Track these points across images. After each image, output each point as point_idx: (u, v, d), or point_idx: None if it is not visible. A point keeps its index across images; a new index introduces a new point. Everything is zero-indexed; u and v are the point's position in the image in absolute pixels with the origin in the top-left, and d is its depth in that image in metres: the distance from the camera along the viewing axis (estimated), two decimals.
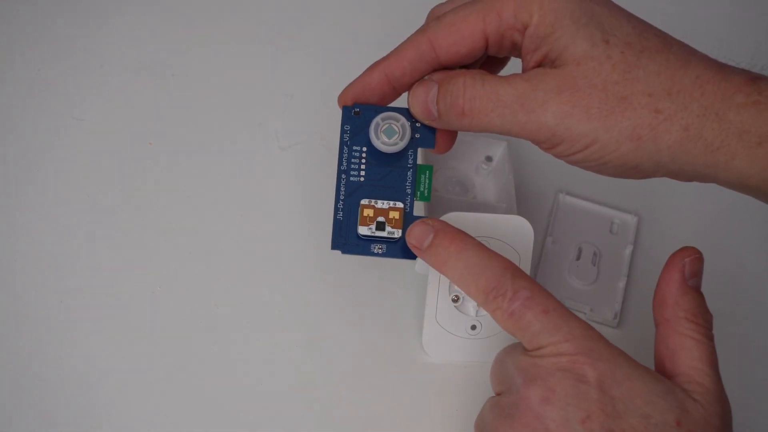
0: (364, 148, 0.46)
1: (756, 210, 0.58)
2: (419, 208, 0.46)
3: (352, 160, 0.45)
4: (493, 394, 0.42)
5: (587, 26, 0.40)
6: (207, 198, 0.56)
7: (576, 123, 0.40)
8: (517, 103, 0.41)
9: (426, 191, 0.46)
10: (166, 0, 0.64)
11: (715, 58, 0.41)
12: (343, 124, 0.45)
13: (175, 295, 0.53)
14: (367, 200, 0.45)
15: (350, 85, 0.45)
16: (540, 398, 0.38)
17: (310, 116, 0.60)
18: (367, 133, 0.45)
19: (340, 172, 0.45)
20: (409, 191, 0.45)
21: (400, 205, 0.45)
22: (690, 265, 0.41)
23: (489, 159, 0.57)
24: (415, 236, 0.43)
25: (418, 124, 0.45)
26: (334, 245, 0.45)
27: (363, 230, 0.45)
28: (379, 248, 0.45)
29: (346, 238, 0.45)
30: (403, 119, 0.45)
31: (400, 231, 0.45)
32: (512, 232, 0.48)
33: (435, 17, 0.44)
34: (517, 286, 0.40)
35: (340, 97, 0.45)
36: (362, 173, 0.45)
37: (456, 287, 0.48)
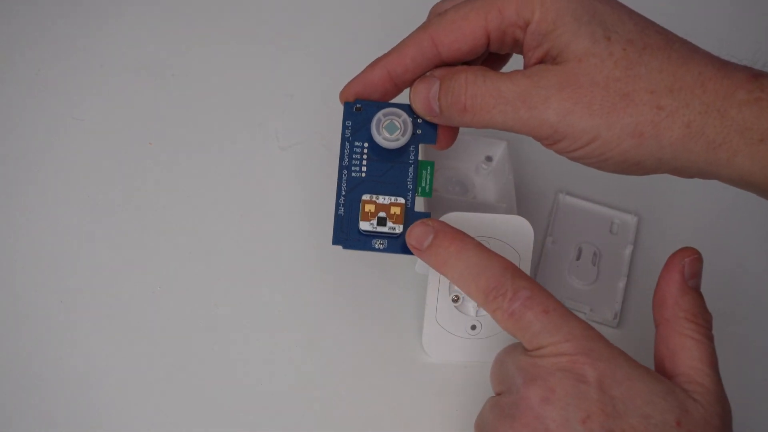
0: (366, 144, 0.46)
1: (756, 210, 0.58)
2: (420, 204, 0.46)
3: (354, 156, 0.45)
4: (493, 394, 0.42)
5: (589, 23, 0.40)
6: (207, 198, 0.56)
7: (578, 120, 0.40)
8: (519, 100, 0.41)
9: (427, 187, 0.46)
10: (166, 0, 0.64)
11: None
12: (344, 120, 0.46)
13: (175, 295, 0.53)
14: (368, 196, 0.45)
15: (352, 81, 0.45)
16: (540, 398, 0.38)
17: (310, 116, 0.60)
18: (368, 129, 0.45)
19: (341, 167, 0.45)
20: (410, 187, 0.45)
21: (401, 200, 0.45)
22: (690, 265, 0.41)
23: (489, 159, 0.57)
24: (415, 237, 0.43)
25: (419, 120, 0.45)
26: (336, 240, 0.45)
27: (364, 225, 0.45)
28: (380, 243, 0.45)
29: (347, 233, 0.45)
30: (404, 115, 0.45)
31: (401, 226, 0.45)
32: (512, 232, 0.48)
33: (437, 14, 0.44)
34: (517, 286, 0.40)
35: (342, 93, 0.45)
36: (364, 169, 0.45)
37: (456, 287, 0.48)
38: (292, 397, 0.50)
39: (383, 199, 0.45)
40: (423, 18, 0.46)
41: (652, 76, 0.40)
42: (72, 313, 0.52)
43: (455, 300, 0.49)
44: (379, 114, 0.45)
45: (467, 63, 0.44)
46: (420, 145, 0.46)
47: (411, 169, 0.46)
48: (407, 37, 0.44)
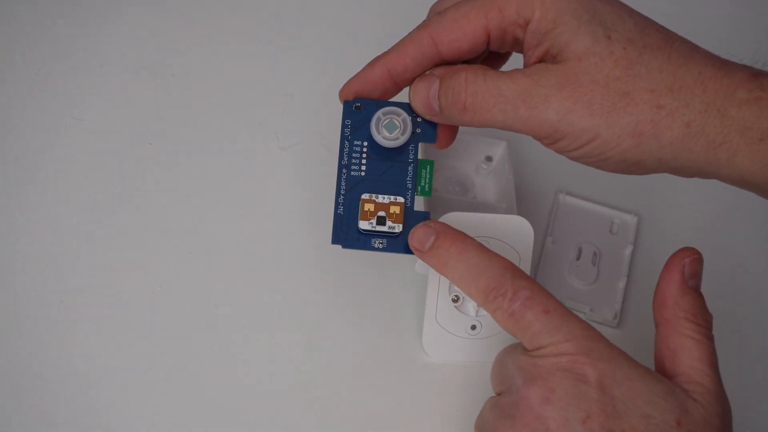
0: (365, 143, 0.46)
1: (756, 210, 0.58)
2: (420, 203, 0.46)
3: (353, 155, 0.45)
4: (493, 394, 0.42)
5: (589, 22, 0.40)
6: (207, 198, 0.56)
7: (578, 119, 0.40)
8: (518, 99, 0.41)
9: (427, 186, 0.46)
10: (166, 0, 0.64)
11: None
12: (344, 119, 0.45)
13: (175, 295, 0.53)
14: (367, 195, 0.45)
15: (351, 79, 0.45)
16: (540, 398, 0.38)
17: (310, 116, 0.60)
18: (368, 128, 0.45)
19: (341, 166, 0.45)
20: (410, 186, 0.45)
21: (400, 199, 0.45)
22: (690, 265, 0.41)
23: (489, 159, 0.57)
24: (418, 239, 0.43)
25: (419, 119, 0.45)
26: (335, 240, 0.45)
27: (364, 225, 0.45)
28: (379, 243, 0.45)
29: (346, 232, 0.45)
30: (404, 114, 0.45)
31: (401, 226, 0.45)
32: (512, 232, 0.48)
33: (436, 12, 0.44)
34: (517, 286, 0.40)
35: (342, 92, 0.45)
36: (363, 168, 0.45)
37: (456, 287, 0.48)
38: (292, 397, 0.50)
39: (383, 198, 0.45)
40: (422, 18, 0.46)
41: (652, 76, 0.40)
42: (72, 313, 0.52)
43: (455, 300, 0.49)
44: (379, 113, 0.45)
45: (467, 62, 0.44)
46: (420, 144, 0.46)
47: (410, 168, 0.46)
48: (407, 36, 0.44)
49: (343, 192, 0.45)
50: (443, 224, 0.43)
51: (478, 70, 0.42)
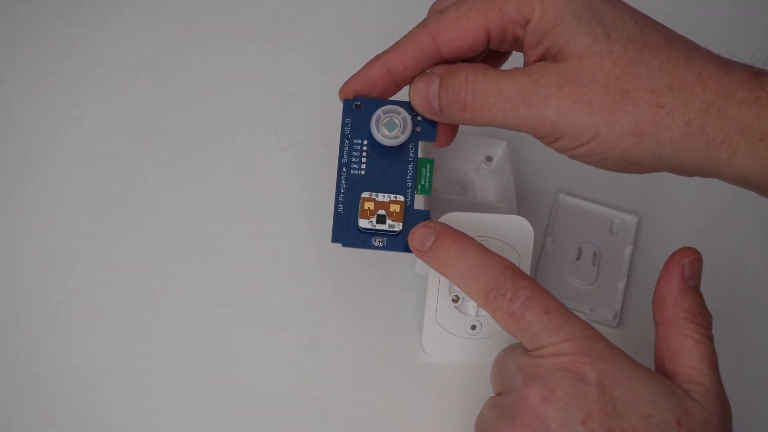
0: (365, 142, 0.45)
1: (756, 210, 0.58)
2: (420, 202, 0.46)
3: (353, 154, 0.45)
4: (493, 394, 0.42)
5: (589, 21, 0.40)
6: (207, 198, 0.56)
7: (578, 118, 0.40)
8: (518, 98, 0.41)
9: (427, 185, 0.46)
10: (166, 0, 0.64)
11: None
12: (344, 118, 0.45)
13: (175, 295, 0.53)
14: (367, 193, 0.45)
15: (351, 78, 0.45)
16: (540, 398, 0.38)
17: (310, 116, 0.60)
18: (368, 127, 0.45)
19: (341, 165, 0.45)
20: (409, 184, 0.45)
21: (400, 198, 0.45)
22: (689, 265, 0.41)
23: (489, 159, 0.57)
24: (418, 239, 0.43)
25: (419, 118, 0.45)
26: (335, 238, 0.45)
27: (363, 223, 0.45)
28: (379, 241, 0.45)
29: (346, 231, 0.45)
30: (404, 112, 0.45)
31: (401, 224, 0.45)
32: (512, 232, 0.48)
33: (436, 11, 0.44)
34: (517, 286, 0.40)
35: (341, 91, 0.45)
36: (363, 166, 0.45)
37: (456, 287, 0.48)
38: (292, 397, 0.50)
39: (383, 197, 0.45)
40: (423, 17, 0.46)
41: (652, 75, 0.39)
42: (72, 313, 0.52)
43: (455, 300, 0.49)
44: (379, 111, 0.45)
45: (467, 60, 0.44)
46: (419, 143, 0.46)
47: (410, 167, 0.46)
48: (407, 35, 0.44)
49: (343, 190, 0.45)
50: (443, 224, 0.43)
51: (478, 69, 0.42)
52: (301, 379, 0.51)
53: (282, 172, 0.58)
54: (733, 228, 0.58)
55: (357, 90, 0.45)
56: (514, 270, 0.41)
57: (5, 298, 0.52)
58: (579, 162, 0.43)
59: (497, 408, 0.40)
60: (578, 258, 0.56)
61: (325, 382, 0.51)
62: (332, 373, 0.51)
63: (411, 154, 0.46)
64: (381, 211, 0.45)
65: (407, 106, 0.45)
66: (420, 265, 0.46)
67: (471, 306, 0.49)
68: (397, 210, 0.45)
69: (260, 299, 0.53)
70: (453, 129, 0.46)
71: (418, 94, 0.44)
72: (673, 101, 0.39)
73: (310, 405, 0.50)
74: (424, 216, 0.45)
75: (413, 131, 0.45)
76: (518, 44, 0.43)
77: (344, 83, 0.45)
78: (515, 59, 0.46)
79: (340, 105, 0.46)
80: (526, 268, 0.48)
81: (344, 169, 0.45)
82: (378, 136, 0.45)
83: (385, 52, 0.44)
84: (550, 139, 0.41)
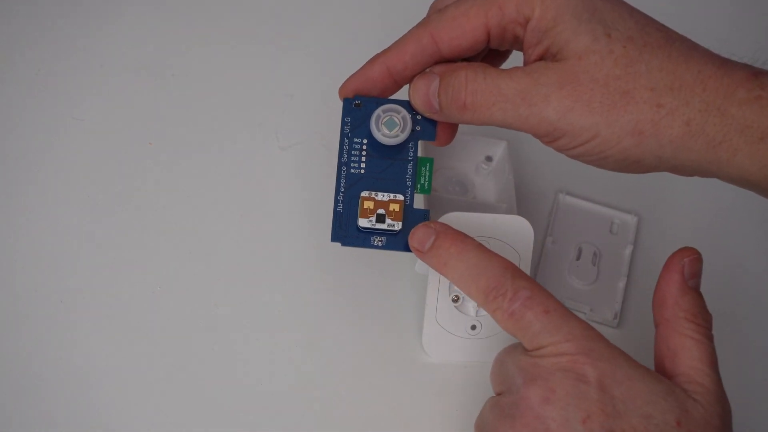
0: (365, 141, 0.45)
1: (756, 210, 0.58)
2: (419, 201, 0.46)
3: (353, 153, 0.45)
4: (493, 394, 0.42)
5: (589, 21, 0.40)
6: (207, 198, 0.56)
7: (577, 117, 0.40)
8: (518, 97, 0.41)
9: (426, 184, 0.46)
10: (166, 0, 0.64)
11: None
12: (343, 117, 0.45)
13: (175, 295, 0.53)
14: (367, 192, 0.45)
15: (351, 77, 0.45)
16: (540, 398, 0.38)
17: (310, 116, 0.60)
18: (367, 126, 0.45)
19: (340, 164, 0.45)
20: (409, 184, 0.45)
21: (400, 197, 0.45)
22: (689, 265, 0.41)
23: (489, 159, 0.57)
24: (418, 239, 0.43)
25: (418, 117, 0.45)
26: (334, 237, 0.45)
27: (363, 222, 0.45)
28: (379, 240, 0.45)
29: (346, 230, 0.45)
30: (404, 111, 0.45)
31: (400, 223, 0.45)
32: (512, 232, 0.48)
33: (436, 10, 0.44)
34: (517, 286, 0.40)
35: (341, 90, 0.45)
36: (363, 165, 0.45)
37: (456, 287, 0.48)
38: (292, 397, 0.50)
39: (382, 196, 0.45)
40: (423, 17, 0.46)
41: (652, 74, 0.39)
42: (72, 313, 0.52)
43: (455, 300, 0.49)
44: (379, 110, 0.45)
45: (467, 59, 0.44)
46: (419, 142, 0.46)
47: (410, 166, 0.46)
48: (407, 34, 0.44)
49: (342, 189, 0.45)
50: (443, 224, 0.43)
51: (478, 68, 0.42)
52: (301, 379, 0.51)
53: (282, 172, 0.58)
54: (732, 228, 0.58)
55: (357, 89, 0.45)
56: (514, 270, 0.41)
57: (5, 298, 0.52)
58: (579, 162, 0.43)
59: (497, 408, 0.40)
60: (578, 258, 0.56)
61: (325, 382, 0.51)
62: (332, 373, 0.51)
63: (411, 153, 0.46)
64: (380, 210, 0.45)
65: (407, 105, 0.45)
66: (420, 265, 0.46)
67: (471, 306, 0.49)
68: (397, 209, 0.45)
69: (260, 299, 0.53)
70: (453, 128, 0.46)
71: (418, 93, 0.44)
72: (673, 101, 0.39)
73: (310, 405, 0.50)
74: (424, 215, 0.45)
75: (413, 130, 0.45)
76: (518, 43, 0.43)
77: (344, 82, 0.45)
78: (515, 58, 0.46)
79: (340, 105, 0.46)
80: (526, 268, 0.48)
81: (344, 168, 0.45)
82: (378, 135, 0.45)
83: (385, 51, 0.44)
84: (550, 138, 0.41)
